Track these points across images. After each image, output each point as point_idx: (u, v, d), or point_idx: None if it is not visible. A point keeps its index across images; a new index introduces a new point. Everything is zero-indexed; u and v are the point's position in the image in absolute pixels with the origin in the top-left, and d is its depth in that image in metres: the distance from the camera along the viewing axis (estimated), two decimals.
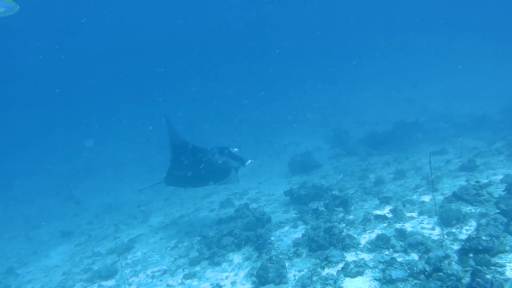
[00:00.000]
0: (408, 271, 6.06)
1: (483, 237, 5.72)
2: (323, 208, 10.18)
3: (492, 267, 5.48)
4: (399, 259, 6.64)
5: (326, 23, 61.33)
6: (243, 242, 9.48)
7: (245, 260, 8.73)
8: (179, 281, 8.59)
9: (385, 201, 9.90)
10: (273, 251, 8.67)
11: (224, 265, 8.77)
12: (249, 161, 10.49)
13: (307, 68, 51.76)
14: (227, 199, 13.78)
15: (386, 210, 9.28)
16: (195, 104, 36.50)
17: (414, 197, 9.94)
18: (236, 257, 8.98)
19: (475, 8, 54.42)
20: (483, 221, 6.99)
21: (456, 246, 6.58)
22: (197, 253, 9.55)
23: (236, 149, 10.47)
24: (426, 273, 5.63)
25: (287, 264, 7.77)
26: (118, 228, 13.97)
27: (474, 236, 5.81)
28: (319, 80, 43.82)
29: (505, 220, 6.76)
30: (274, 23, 60.55)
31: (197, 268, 8.96)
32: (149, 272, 9.53)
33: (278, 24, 60.80)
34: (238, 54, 61.49)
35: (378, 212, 9.31)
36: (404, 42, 56.38)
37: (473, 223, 7.52)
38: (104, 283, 9.57)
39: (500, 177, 9.67)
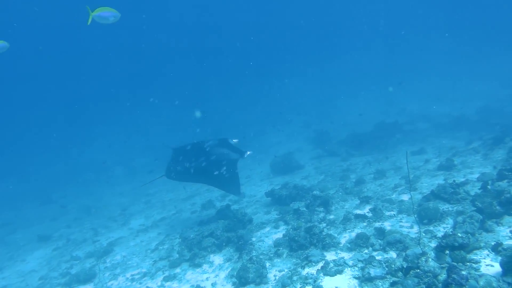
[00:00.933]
0: (386, 268, 6.11)
1: (459, 234, 5.79)
2: (304, 209, 10.21)
3: (468, 263, 5.55)
4: (378, 257, 6.70)
5: (309, 23, 61.48)
6: (224, 243, 9.44)
7: (226, 261, 8.70)
8: (159, 284, 8.51)
9: (365, 200, 9.99)
10: (254, 251, 8.66)
11: (205, 266, 8.72)
12: (248, 152, 10.51)
13: (291, 69, 51.86)
14: (209, 201, 13.72)
15: (366, 210, 9.36)
16: (182, 103, 36.26)
17: (393, 196, 10.04)
18: (217, 258, 8.94)
19: (454, 8, 55.16)
20: (460, 218, 7.08)
21: (433, 244, 6.65)
22: (177, 255, 9.48)
23: (235, 140, 10.60)
24: (404, 270, 5.68)
25: (267, 264, 7.77)
26: (98, 231, 13.80)
27: (450, 233, 5.88)
28: (301, 81, 43.95)
29: (481, 217, 6.86)
30: (262, 23, 60.60)
31: (178, 270, 8.89)
32: (128, 275, 9.42)
33: (265, 24, 60.84)
34: (223, 54, 61.26)
35: (358, 211, 9.38)
36: (383, 43, 56.81)
37: (450, 221, 7.62)
38: (82, 287, 9.46)
39: (477, 175, 9.82)
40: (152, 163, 20.25)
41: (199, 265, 8.79)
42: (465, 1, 52.83)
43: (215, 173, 10.17)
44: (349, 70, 46.31)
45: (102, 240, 12.71)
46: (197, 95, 43.75)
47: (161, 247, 10.62)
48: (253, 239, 9.43)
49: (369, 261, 6.51)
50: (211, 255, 9.14)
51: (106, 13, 7.85)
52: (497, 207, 7.06)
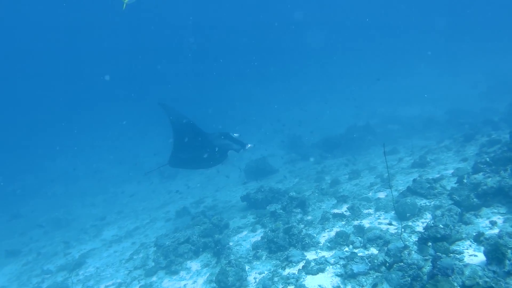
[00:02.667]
0: (369, 264, 6.02)
1: (441, 225, 5.75)
2: (281, 211, 10.05)
3: (451, 254, 5.50)
4: (359, 254, 6.60)
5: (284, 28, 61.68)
6: (201, 249, 9.21)
7: (204, 267, 8.47)
8: None
9: (342, 200, 9.92)
10: (232, 255, 8.46)
11: (182, 273, 8.47)
12: (249, 145, 10.69)
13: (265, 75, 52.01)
14: (183, 208, 13.44)
15: (343, 209, 9.28)
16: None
17: (370, 194, 10.01)
18: (194, 265, 8.70)
19: (426, 11, 56.34)
20: (439, 212, 7.07)
21: (413, 238, 6.60)
22: (153, 263, 9.19)
23: (236, 135, 10.72)
24: (387, 264, 5.59)
25: (247, 267, 7.58)
26: (69, 244, 13.30)
27: (432, 225, 5.83)
28: (271, 87, 44.09)
29: (459, 210, 6.86)
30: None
31: (154, 278, 8.61)
32: (102, 286, 9.08)
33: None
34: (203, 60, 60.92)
35: (336, 211, 9.28)
36: (353, 47, 57.63)
37: (428, 216, 7.60)
38: None
39: (451, 171, 9.90)
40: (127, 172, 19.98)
41: (176, 272, 8.54)
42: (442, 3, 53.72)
43: (217, 164, 10.80)
44: (320, 74, 46.70)
45: (74, 252, 12.26)
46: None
47: (135, 257, 10.31)
48: (231, 243, 9.23)
49: (351, 257, 6.41)
50: (188, 262, 8.89)
51: None
52: (475, 199, 7.07)
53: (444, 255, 5.36)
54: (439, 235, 5.60)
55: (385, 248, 5.98)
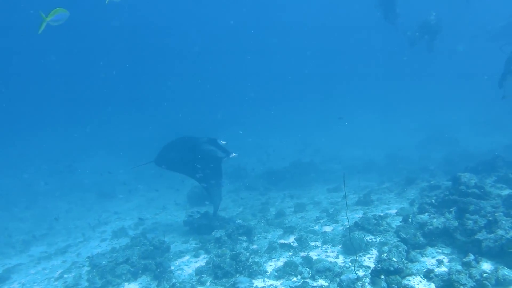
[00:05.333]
0: None
1: (394, 259, 5.83)
2: (226, 238, 9.85)
3: None
4: (310, 284, 6.54)
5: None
6: (140, 271, 8.77)
7: None
8: None
9: (289, 230, 9.89)
10: (173, 279, 8.12)
11: None
12: (233, 154, 10.77)
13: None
14: (121, 229, 12.87)
15: (291, 239, 9.24)
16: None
17: (316, 227, 10.06)
18: (132, 287, 8.25)
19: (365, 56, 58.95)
20: (385, 248, 7.19)
21: (361, 272, 6.64)
22: (87, 283, 8.64)
23: (223, 142, 10.83)
24: None
25: None
26: None
27: (386, 258, 5.90)
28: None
29: (405, 247, 7.01)
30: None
31: None
32: None
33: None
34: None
35: (283, 241, 9.22)
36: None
37: (374, 251, 7.72)
38: None
39: (394, 210, 10.17)
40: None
41: None
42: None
43: (198, 172, 10.81)
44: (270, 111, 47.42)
45: None
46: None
47: (66, 275, 9.63)
48: (172, 267, 8.87)
49: (303, 287, 6.32)
50: (126, 283, 8.42)
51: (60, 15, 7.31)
52: (421, 238, 7.28)
53: None
54: (392, 268, 5.67)
55: (337, 279, 5.97)
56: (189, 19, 57.56)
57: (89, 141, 36.45)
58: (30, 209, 18.11)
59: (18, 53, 47.54)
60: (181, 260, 9.40)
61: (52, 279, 9.61)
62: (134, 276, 8.66)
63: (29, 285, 9.45)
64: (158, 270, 8.45)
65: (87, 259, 10.03)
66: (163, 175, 22.87)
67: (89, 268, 9.35)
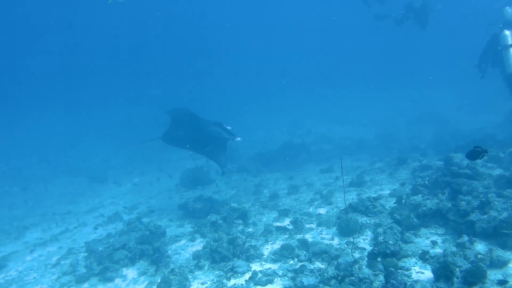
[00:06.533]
0: (319, 277, 6.06)
1: (390, 241, 5.94)
2: (221, 221, 9.94)
3: (400, 271, 5.69)
4: (308, 267, 6.65)
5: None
6: (137, 256, 8.84)
7: (141, 275, 8.12)
8: None
9: (284, 213, 10.00)
10: (171, 264, 8.20)
11: (117, 280, 8.08)
12: (238, 138, 11.20)
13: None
14: (116, 213, 12.90)
15: (286, 222, 9.35)
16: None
17: (311, 209, 10.17)
18: (131, 272, 8.33)
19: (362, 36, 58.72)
20: (380, 230, 7.30)
21: (357, 254, 6.77)
22: (85, 269, 8.68)
23: (229, 127, 11.25)
24: (339, 278, 5.66)
25: (189, 277, 7.37)
26: None
27: (382, 241, 6.00)
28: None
29: (400, 229, 7.13)
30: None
31: (86, 285, 8.13)
32: None
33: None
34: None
35: (278, 224, 9.33)
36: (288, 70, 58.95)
37: (369, 233, 7.84)
38: None
39: (387, 191, 10.31)
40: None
41: (110, 279, 8.13)
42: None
43: (206, 148, 11.45)
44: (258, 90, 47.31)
45: None
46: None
47: (63, 262, 9.67)
48: (169, 252, 8.93)
49: (301, 270, 6.43)
50: (124, 269, 8.50)
51: None
52: (415, 219, 7.40)
53: (393, 270, 5.53)
54: (388, 251, 5.78)
55: (335, 262, 6.07)
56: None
57: (80, 127, 36.26)
58: (22, 195, 18.00)
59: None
60: (177, 244, 9.48)
61: (49, 266, 9.64)
62: (132, 262, 8.73)
63: (26, 272, 9.47)
64: (156, 255, 8.51)
65: (84, 245, 10.06)
66: (153, 158, 22.95)
67: (86, 254, 9.39)
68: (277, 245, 8.09)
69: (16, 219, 14.69)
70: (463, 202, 7.22)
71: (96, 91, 54.37)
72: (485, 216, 6.52)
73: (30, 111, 47.18)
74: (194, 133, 11.44)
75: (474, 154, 5.98)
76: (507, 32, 10.07)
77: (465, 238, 6.16)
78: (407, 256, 6.12)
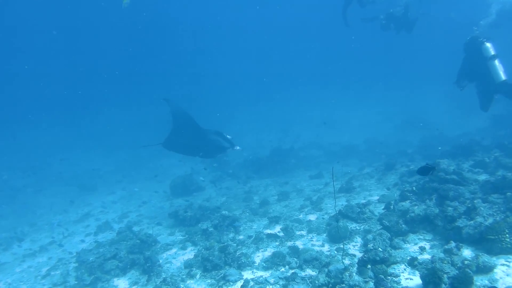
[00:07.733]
0: (310, 284, 6.14)
1: (380, 248, 6.04)
2: (212, 229, 9.98)
3: (389, 277, 5.79)
4: (299, 274, 6.73)
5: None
6: (128, 266, 8.84)
7: (132, 285, 8.12)
8: None
9: (274, 220, 10.08)
10: (163, 273, 8.22)
11: None
12: (237, 147, 11.43)
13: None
14: (105, 223, 12.87)
15: (277, 229, 9.43)
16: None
17: (301, 216, 10.26)
18: (122, 282, 8.32)
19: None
20: (370, 236, 7.41)
21: (347, 261, 6.87)
22: (75, 281, 8.66)
23: (229, 136, 11.43)
24: (330, 285, 5.74)
25: (181, 286, 7.40)
26: None
27: (372, 248, 6.10)
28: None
29: (389, 235, 7.25)
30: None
31: None
32: None
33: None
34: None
35: (269, 231, 9.40)
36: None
37: (358, 239, 7.95)
38: None
39: (376, 197, 10.45)
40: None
41: None
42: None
43: (203, 154, 11.93)
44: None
45: None
46: None
47: (53, 273, 9.63)
48: (160, 261, 8.95)
49: (292, 278, 6.50)
50: (115, 279, 8.49)
51: None
52: (403, 225, 7.52)
53: (383, 277, 5.63)
54: (378, 258, 5.88)
55: (326, 270, 6.15)
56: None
57: (69, 136, 36.08)
58: (10, 205, 17.86)
59: None
60: (168, 253, 9.50)
61: (39, 277, 9.59)
62: (123, 272, 8.72)
63: (16, 284, 9.42)
64: (147, 264, 8.52)
65: (75, 255, 10.03)
66: (143, 166, 22.91)
67: (76, 265, 9.37)
68: (268, 253, 8.17)
69: (5, 230, 14.56)
70: (450, 208, 7.35)
71: (85, 97, 53.89)
72: (472, 222, 6.66)
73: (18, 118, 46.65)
74: (195, 141, 11.70)
75: (425, 170, 6.66)
76: (488, 45, 10.25)
77: (452, 244, 6.29)
78: (396, 262, 6.24)
